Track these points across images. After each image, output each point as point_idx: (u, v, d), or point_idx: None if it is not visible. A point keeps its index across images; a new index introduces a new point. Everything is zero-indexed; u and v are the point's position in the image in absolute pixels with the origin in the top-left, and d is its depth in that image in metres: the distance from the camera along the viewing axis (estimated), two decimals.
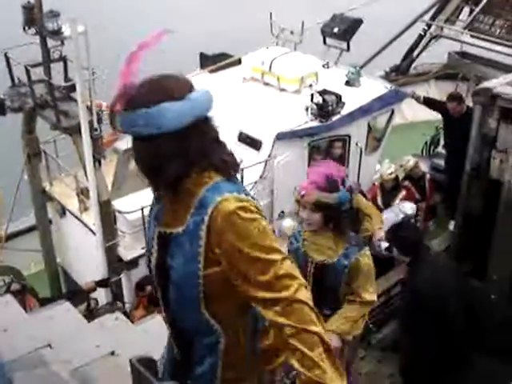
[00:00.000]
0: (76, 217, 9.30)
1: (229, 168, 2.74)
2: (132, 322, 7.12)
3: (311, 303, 2.57)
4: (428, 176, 10.80)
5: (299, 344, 2.49)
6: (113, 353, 5.58)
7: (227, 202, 2.58)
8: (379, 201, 10.43)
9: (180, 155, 2.59)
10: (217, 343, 2.88)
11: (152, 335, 6.37)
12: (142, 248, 8.68)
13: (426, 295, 6.23)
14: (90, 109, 7.81)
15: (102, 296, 8.84)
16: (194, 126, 2.61)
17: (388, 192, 10.40)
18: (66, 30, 7.83)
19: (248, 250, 2.55)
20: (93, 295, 8.69)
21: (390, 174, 10.31)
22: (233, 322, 2.86)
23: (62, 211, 9.74)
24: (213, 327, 2.83)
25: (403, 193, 10.42)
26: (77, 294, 8.80)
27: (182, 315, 2.87)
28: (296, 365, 2.51)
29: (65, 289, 10.68)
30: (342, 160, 10.26)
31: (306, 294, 2.57)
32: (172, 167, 2.59)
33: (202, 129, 2.67)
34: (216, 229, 2.58)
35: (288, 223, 9.42)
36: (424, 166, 11.11)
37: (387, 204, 10.37)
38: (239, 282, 2.60)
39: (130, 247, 8.71)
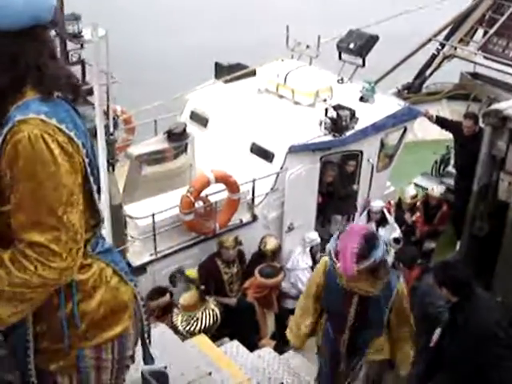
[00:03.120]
0: None
1: (50, 85, 2.38)
2: None
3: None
4: (445, 207, 10.90)
5: None
6: None
7: (26, 125, 2.27)
8: (389, 218, 10.53)
9: (7, 63, 2.29)
10: None
11: (153, 344, 6.37)
12: (151, 254, 8.70)
13: (489, 335, 6.08)
14: (106, 113, 7.81)
15: None
16: (29, 32, 2.30)
17: (402, 212, 10.59)
18: (86, 34, 7.84)
19: (26, 191, 2.29)
20: None
21: (414, 198, 10.57)
22: None
23: None
24: None
25: (417, 214, 10.63)
26: None
27: None
28: None
29: None
30: (354, 176, 10.31)
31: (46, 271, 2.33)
32: None
33: (39, 36, 2.35)
34: (7, 154, 2.29)
35: (314, 236, 9.52)
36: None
37: (401, 223, 10.51)
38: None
39: (139, 253, 8.69)
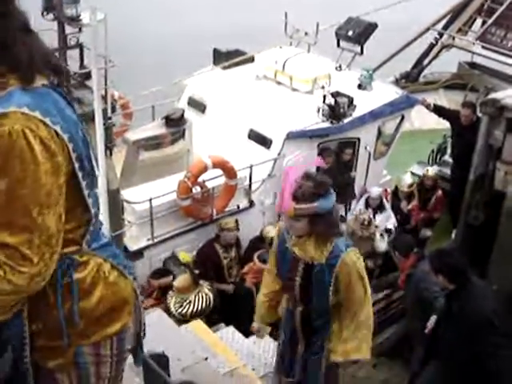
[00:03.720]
0: None
1: (32, 69, 2.17)
2: None
3: None
4: (439, 192, 10.93)
5: None
6: None
7: (6, 120, 2.10)
8: (387, 205, 10.57)
9: None
10: None
11: (151, 328, 6.39)
12: (148, 239, 8.71)
13: (484, 323, 6.09)
14: (104, 97, 7.80)
15: None
16: None
17: (399, 200, 10.62)
18: (85, 17, 7.81)
19: (0, 189, 2.13)
20: None
21: (410, 186, 10.59)
22: None
23: None
24: None
25: (413, 203, 10.66)
26: None
27: None
28: None
29: None
30: (351, 164, 10.32)
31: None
32: None
33: (3, 7, 2.13)
34: None
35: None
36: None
37: (397, 211, 10.53)
38: None
39: (136, 238, 8.70)
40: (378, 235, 9.75)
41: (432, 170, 11.06)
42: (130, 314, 2.77)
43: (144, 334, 3.02)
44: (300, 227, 4.71)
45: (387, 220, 10.38)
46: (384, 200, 10.46)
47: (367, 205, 10.34)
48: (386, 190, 11.09)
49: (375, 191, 10.34)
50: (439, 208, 11.04)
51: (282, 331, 5.51)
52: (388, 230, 10.24)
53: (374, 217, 10.20)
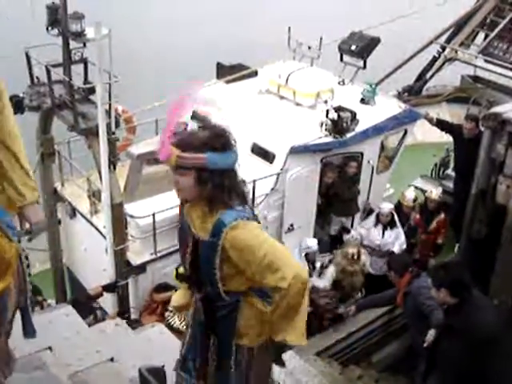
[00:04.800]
0: (86, 219, 9.32)
1: None
2: (134, 328, 7.14)
3: None
4: (442, 216, 10.80)
5: None
6: (112, 359, 5.61)
7: None
8: (398, 221, 10.56)
9: None
10: None
11: (152, 343, 6.41)
12: (151, 254, 8.72)
13: (486, 337, 6.08)
14: (108, 112, 7.84)
15: (108, 301, 8.84)
16: None
17: (404, 215, 10.59)
18: (89, 32, 7.86)
19: None
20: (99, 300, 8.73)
21: (414, 200, 10.55)
22: None
23: (73, 212, 9.75)
24: None
25: (417, 216, 10.63)
26: (82, 304, 8.69)
27: None
28: None
29: (69, 290, 10.67)
30: (355, 178, 10.32)
31: None
32: None
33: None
34: None
35: (312, 243, 9.52)
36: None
37: (401, 225, 10.51)
38: None
39: (139, 252, 8.71)
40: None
41: (435, 193, 10.86)
42: (12, 275, 2.80)
43: (31, 301, 3.06)
44: (186, 185, 3.75)
45: (396, 237, 10.29)
46: (395, 216, 10.36)
47: (378, 221, 10.33)
48: None
49: (386, 208, 10.24)
50: (442, 233, 10.86)
51: (190, 324, 4.46)
52: (391, 254, 10.13)
53: (384, 233, 10.24)
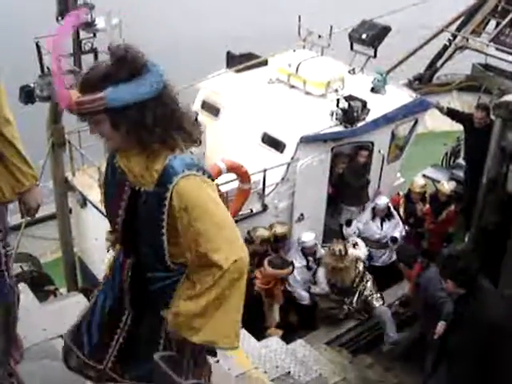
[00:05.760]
0: (97, 208, 9.35)
1: None
2: None
3: None
4: (452, 207, 10.76)
5: None
6: None
7: None
8: (401, 210, 10.57)
9: None
10: None
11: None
12: None
13: (496, 328, 6.06)
14: None
15: None
16: None
17: (413, 204, 10.58)
18: (100, 22, 7.88)
19: None
20: None
21: (422, 187, 10.53)
22: None
23: (83, 202, 9.79)
24: None
25: (427, 206, 10.62)
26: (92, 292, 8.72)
27: None
28: None
29: (80, 278, 10.73)
30: (365, 167, 10.31)
31: None
32: None
33: None
34: None
35: (307, 238, 9.49)
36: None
37: (409, 214, 10.50)
38: None
39: None
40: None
41: (447, 188, 10.75)
42: None
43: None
44: (108, 133, 3.03)
45: (395, 227, 10.35)
46: (392, 208, 10.39)
47: (374, 214, 10.34)
48: (398, 194, 11.06)
49: (382, 202, 10.25)
50: (451, 223, 10.87)
51: (102, 292, 3.71)
52: (394, 239, 10.21)
53: (382, 225, 10.25)
